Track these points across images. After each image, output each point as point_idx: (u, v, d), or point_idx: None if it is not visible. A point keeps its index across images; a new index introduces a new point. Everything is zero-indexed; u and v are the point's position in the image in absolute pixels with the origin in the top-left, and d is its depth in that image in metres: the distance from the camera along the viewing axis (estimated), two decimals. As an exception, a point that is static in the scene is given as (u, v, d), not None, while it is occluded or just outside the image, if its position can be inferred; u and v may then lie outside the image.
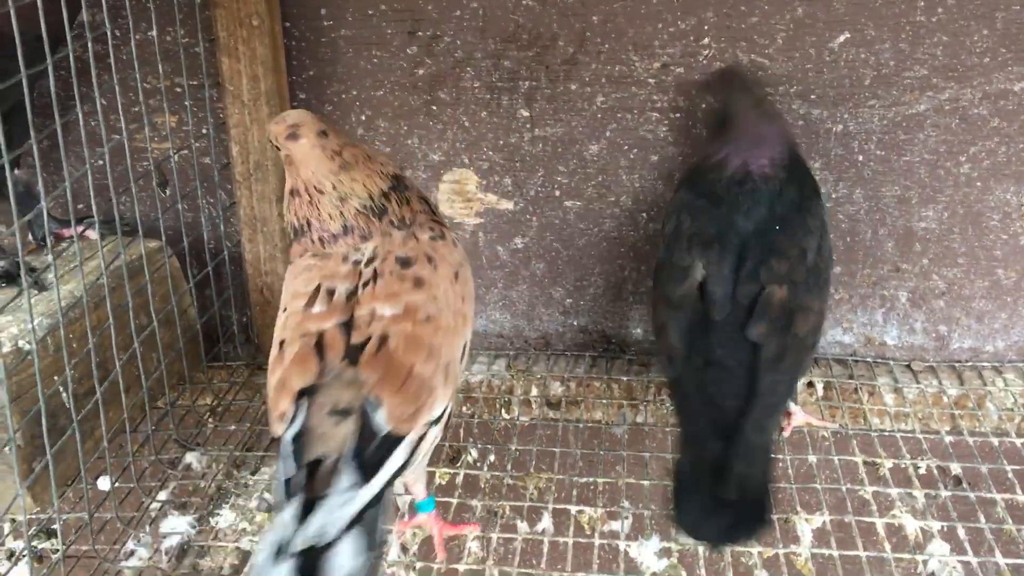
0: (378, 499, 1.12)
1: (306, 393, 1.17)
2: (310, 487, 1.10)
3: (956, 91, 1.67)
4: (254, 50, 1.66)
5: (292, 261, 1.38)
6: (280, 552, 1.04)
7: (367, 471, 1.11)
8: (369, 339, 1.20)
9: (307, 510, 1.07)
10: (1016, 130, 1.67)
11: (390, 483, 1.15)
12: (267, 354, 1.84)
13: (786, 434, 1.62)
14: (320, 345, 1.21)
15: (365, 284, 1.26)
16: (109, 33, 1.37)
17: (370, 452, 1.13)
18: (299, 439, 1.14)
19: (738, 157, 1.50)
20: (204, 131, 1.78)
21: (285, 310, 1.29)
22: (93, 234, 1.64)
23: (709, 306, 1.41)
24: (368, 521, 1.10)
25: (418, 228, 1.36)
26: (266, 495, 1.50)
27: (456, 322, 1.29)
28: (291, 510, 1.07)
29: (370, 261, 1.29)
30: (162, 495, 1.51)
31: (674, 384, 1.45)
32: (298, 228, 1.36)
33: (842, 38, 1.66)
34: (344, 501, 1.08)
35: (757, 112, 1.56)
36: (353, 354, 1.19)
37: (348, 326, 1.22)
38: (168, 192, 1.84)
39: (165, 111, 1.73)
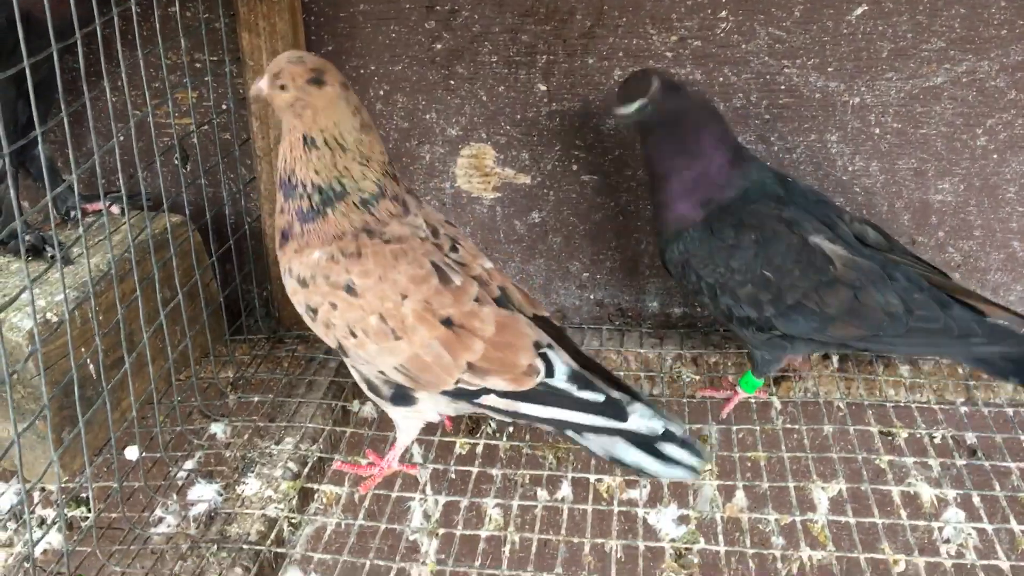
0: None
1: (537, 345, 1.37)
2: (631, 392, 1.37)
3: (973, 63, 1.67)
4: (274, 25, 1.67)
5: (302, 253, 1.36)
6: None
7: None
8: (503, 288, 1.40)
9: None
10: (1033, 102, 1.68)
11: None
12: (288, 327, 1.89)
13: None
14: (503, 303, 1.39)
15: (453, 249, 1.39)
16: (134, 8, 1.38)
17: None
18: (577, 377, 1.36)
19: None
20: (224, 106, 1.80)
21: (405, 297, 1.32)
22: (116, 209, 1.66)
23: None
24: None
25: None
26: (290, 464, 1.53)
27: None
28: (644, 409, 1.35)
29: (435, 231, 1.40)
30: (188, 464, 1.54)
31: None
32: (326, 192, 1.33)
33: (860, 10, 1.66)
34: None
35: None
36: (505, 303, 1.39)
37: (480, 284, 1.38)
38: (189, 167, 1.86)
39: (188, 87, 1.74)
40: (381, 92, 1.81)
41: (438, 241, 1.39)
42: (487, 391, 1.36)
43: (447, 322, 1.33)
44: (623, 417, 1.34)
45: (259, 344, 1.89)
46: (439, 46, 1.77)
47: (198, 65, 1.77)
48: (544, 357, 1.36)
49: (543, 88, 1.78)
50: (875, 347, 1.60)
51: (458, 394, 1.37)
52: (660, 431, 1.34)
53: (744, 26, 1.69)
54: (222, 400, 1.71)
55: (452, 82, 1.80)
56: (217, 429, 1.63)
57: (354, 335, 1.35)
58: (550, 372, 1.35)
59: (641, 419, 1.34)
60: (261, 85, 1.34)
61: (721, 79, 1.73)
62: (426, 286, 1.33)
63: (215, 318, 1.81)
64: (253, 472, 1.52)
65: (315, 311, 1.37)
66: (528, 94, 1.79)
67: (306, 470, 1.53)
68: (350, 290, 1.33)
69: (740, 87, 1.73)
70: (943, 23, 1.65)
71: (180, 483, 1.50)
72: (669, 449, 1.35)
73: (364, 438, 1.62)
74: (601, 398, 1.35)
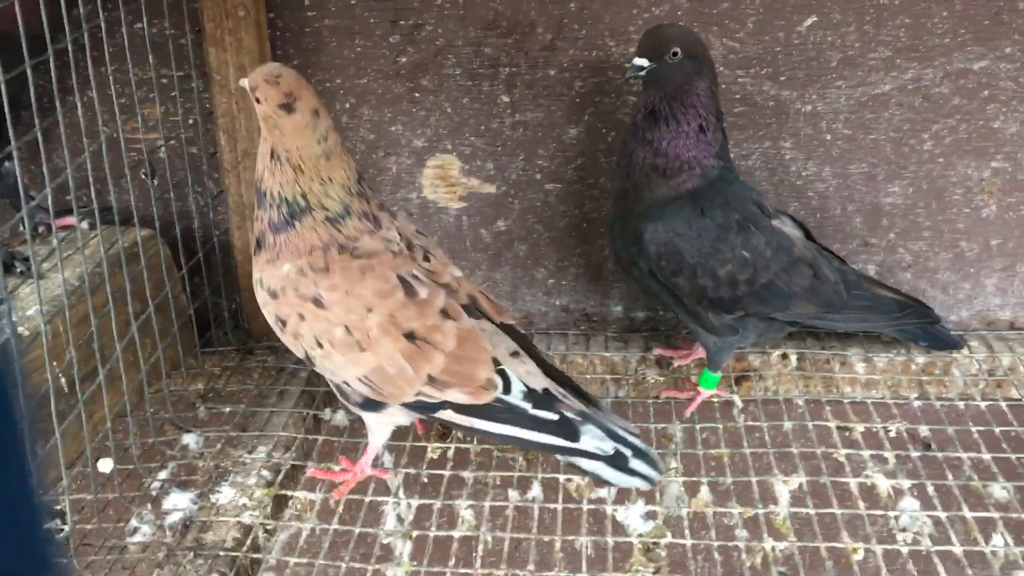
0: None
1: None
2: (589, 400, 1.45)
3: (918, 71, 1.74)
4: (240, 40, 1.70)
5: (273, 264, 1.39)
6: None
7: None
8: (472, 296, 1.44)
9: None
10: (975, 108, 1.75)
11: None
12: (258, 338, 1.91)
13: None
14: (471, 311, 1.43)
15: (425, 259, 1.43)
16: (103, 24, 1.40)
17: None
18: (533, 395, 1.40)
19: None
20: (191, 121, 1.82)
21: (370, 310, 1.36)
22: (84, 224, 1.67)
23: None
24: None
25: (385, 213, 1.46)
26: (263, 472, 1.55)
27: None
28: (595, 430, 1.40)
29: (409, 243, 1.43)
30: (162, 475, 1.55)
31: None
32: (292, 205, 1.37)
33: (809, 21, 1.72)
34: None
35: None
36: (472, 311, 1.43)
37: (448, 293, 1.42)
38: (157, 182, 1.88)
39: (155, 102, 1.76)
40: (347, 105, 1.84)
41: (412, 253, 1.43)
42: (446, 405, 1.40)
43: (410, 335, 1.37)
44: (575, 438, 1.39)
45: (229, 356, 1.91)
46: (404, 59, 1.81)
47: (165, 80, 1.79)
48: (502, 373, 1.40)
49: (506, 99, 1.83)
50: (820, 323, 1.70)
51: (418, 406, 1.41)
52: (610, 452, 1.39)
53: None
54: (194, 412, 1.72)
55: (417, 94, 1.83)
56: (190, 440, 1.64)
57: (320, 346, 1.38)
58: (507, 389, 1.39)
59: (592, 440, 1.39)
60: (245, 84, 1.38)
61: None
62: (391, 300, 1.37)
63: (185, 331, 1.82)
64: (227, 481, 1.53)
65: (284, 322, 1.40)
66: (492, 105, 1.83)
67: (279, 478, 1.55)
68: (317, 302, 1.36)
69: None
70: (889, 33, 1.72)
71: (154, 493, 1.51)
72: (627, 461, 1.40)
73: (336, 446, 1.65)
74: (555, 417, 1.39)
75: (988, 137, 1.77)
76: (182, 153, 1.83)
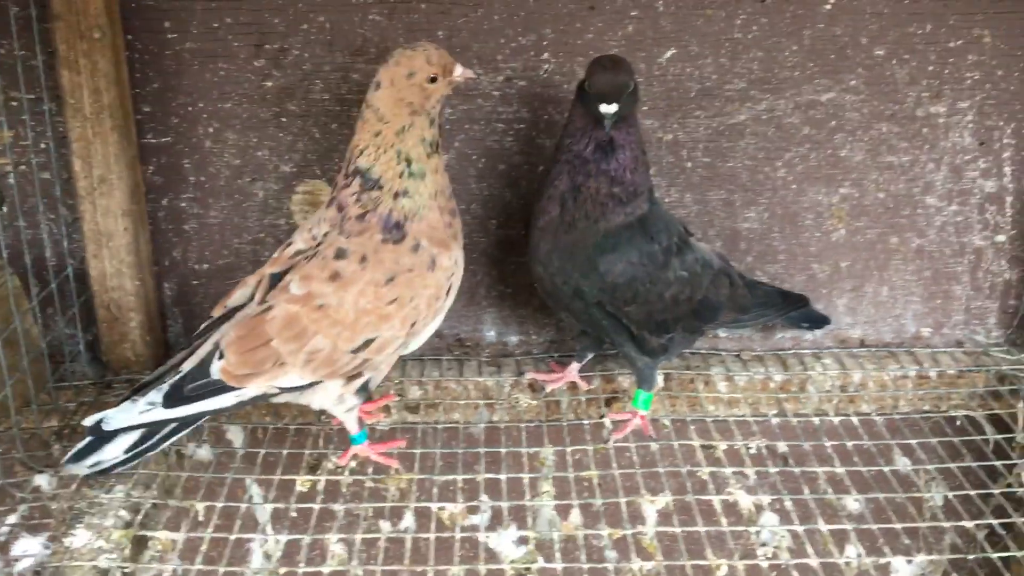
0: (185, 421, 1.46)
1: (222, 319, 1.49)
2: (144, 387, 1.46)
3: (771, 102, 1.82)
4: (96, 63, 1.64)
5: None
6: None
7: (175, 399, 1.43)
8: (267, 305, 1.46)
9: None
10: (824, 137, 1.85)
11: (205, 415, 1.47)
12: (116, 371, 1.83)
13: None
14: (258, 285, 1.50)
15: (309, 257, 1.47)
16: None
17: (189, 387, 1.43)
18: (191, 348, 1.49)
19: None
20: (43, 145, 1.74)
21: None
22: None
23: None
24: (153, 431, 1.45)
25: (376, 227, 1.47)
26: (121, 512, 1.48)
27: (361, 319, 1.45)
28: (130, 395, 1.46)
29: (321, 240, 1.49)
30: (12, 519, 1.47)
31: None
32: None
33: (669, 53, 1.79)
34: (141, 410, 1.43)
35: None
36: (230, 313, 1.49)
37: (276, 280, 1.48)
38: (5, 209, 1.78)
39: (3, 126, 1.68)
40: (211, 130, 1.80)
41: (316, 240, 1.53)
42: None
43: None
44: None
45: (85, 390, 1.82)
46: (269, 84, 1.78)
47: (15, 104, 1.71)
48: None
49: (375, 125, 1.82)
50: (734, 327, 1.85)
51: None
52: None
53: (565, 67, 1.78)
54: (46, 451, 1.64)
55: (284, 119, 1.81)
56: (42, 481, 1.56)
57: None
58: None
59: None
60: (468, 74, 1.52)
61: (546, 117, 1.82)
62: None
63: (37, 365, 1.73)
64: (82, 523, 1.46)
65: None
66: (361, 131, 1.82)
67: (139, 517, 1.48)
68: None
69: (563, 124, 1.82)
70: (743, 65, 1.80)
71: (3, 539, 1.43)
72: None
73: (202, 481, 1.59)
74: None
75: (836, 165, 1.87)
76: (33, 179, 1.75)
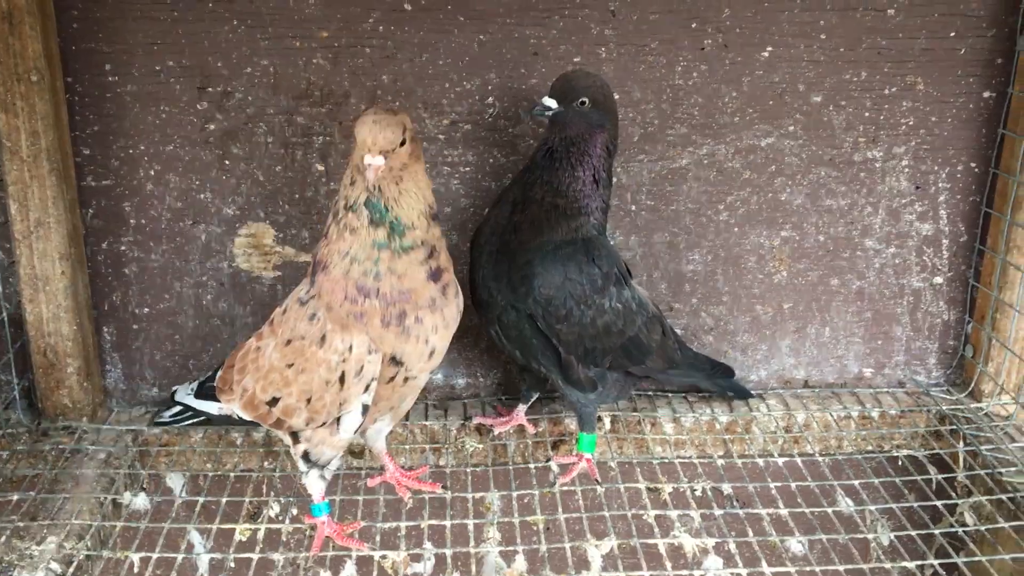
0: (197, 413, 1.68)
1: None
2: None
3: (712, 147, 1.85)
4: (33, 106, 1.62)
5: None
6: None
7: (199, 392, 1.66)
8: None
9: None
10: (765, 181, 1.88)
11: (205, 414, 1.67)
12: (52, 418, 1.79)
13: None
14: None
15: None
16: None
17: (208, 385, 1.63)
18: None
19: None
20: (-22, 188, 1.71)
21: None
22: None
23: None
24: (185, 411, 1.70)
25: (308, 273, 1.45)
26: (52, 564, 1.44)
27: (270, 373, 1.46)
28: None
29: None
30: (-65, 575, 1.42)
31: None
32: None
33: (613, 99, 1.81)
34: (186, 391, 1.70)
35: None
36: None
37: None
38: (-62, 252, 1.75)
39: (-66, 168, 1.65)
40: (152, 172, 1.78)
41: None
42: None
43: None
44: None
45: (20, 438, 1.77)
46: (212, 127, 1.77)
47: (-52, 145, 1.68)
48: None
49: (321, 168, 1.81)
50: (662, 378, 1.83)
51: None
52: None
53: (510, 112, 1.80)
54: (-24, 501, 1.59)
55: (227, 162, 1.79)
56: (-30, 533, 1.51)
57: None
58: None
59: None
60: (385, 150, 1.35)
61: (492, 160, 1.83)
62: None
63: (-32, 413, 1.69)
64: (10, 577, 1.41)
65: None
66: (306, 174, 1.82)
67: (71, 570, 1.44)
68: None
69: (509, 168, 1.83)
70: (684, 111, 1.83)
71: (-76, 596, 1.38)
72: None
73: (139, 531, 1.55)
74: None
75: (777, 208, 1.90)
76: (-33, 222, 1.71)
